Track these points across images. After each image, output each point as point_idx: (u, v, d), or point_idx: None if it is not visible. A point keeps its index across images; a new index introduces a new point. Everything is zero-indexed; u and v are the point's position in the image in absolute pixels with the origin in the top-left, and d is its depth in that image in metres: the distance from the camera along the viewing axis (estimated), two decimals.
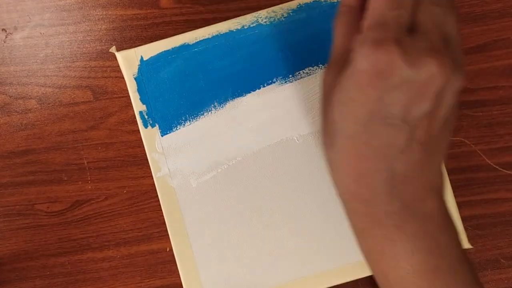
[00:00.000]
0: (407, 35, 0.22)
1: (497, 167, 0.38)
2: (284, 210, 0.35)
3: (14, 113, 0.38)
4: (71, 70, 0.38)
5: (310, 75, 0.36)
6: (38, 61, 0.38)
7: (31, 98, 0.38)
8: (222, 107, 0.36)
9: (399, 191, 0.24)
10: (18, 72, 0.38)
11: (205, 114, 0.36)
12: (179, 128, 0.36)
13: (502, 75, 0.38)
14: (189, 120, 0.36)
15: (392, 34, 0.22)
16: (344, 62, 0.23)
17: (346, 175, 0.24)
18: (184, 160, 0.36)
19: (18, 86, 0.38)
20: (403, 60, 0.21)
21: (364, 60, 0.22)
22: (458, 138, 0.38)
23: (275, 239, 0.35)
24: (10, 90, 0.38)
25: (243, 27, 0.36)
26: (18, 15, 0.38)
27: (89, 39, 0.38)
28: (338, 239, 0.35)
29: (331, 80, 0.24)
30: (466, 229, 0.36)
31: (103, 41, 0.38)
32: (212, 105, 0.36)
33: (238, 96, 0.36)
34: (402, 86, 0.22)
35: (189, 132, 0.36)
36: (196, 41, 0.36)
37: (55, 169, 0.38)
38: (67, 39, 0.38)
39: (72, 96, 0.38)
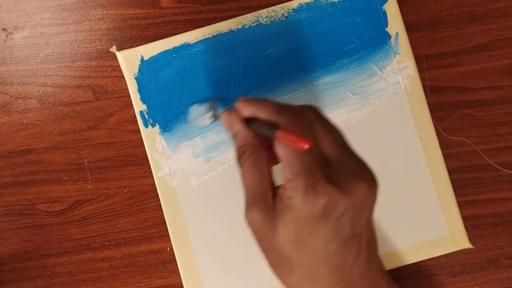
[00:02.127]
0: (328, 168, 0.25)
1: (498, 166, 0.38)
2: None
3: (14, 113, 0.38)
4: (71, 69, 0.38)
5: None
6: (38, 60, 0.38)
7: (31, 97, 0.38)
8: (223, 106, 0.36)
9: (358, 286, 0.26)
10: (19, 71, 0.38)
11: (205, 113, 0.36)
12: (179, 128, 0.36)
13: (503, 75, 0.38)
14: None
15: (321, 175, 0.24)
16: (273, 206, 0.26)
17: None
18: (185, 160, 0.36)
19: (18, 85, 0.38)
20: (340, 193, 0.24)
21: (307, 205, 0.24)
22: (459, 138, 0.38)
23: None
24: (11, 89, 0.38)
25: (243, 26, 0.36)
26: (19, 15, 0.38)
27: (89, 38, 0.38)
28: None
29: (261, 221, 0.26)
30: (467, 228, 0.36)
31: (103, 40, 0.38)
32: None
33: (238, 96, 0.36)
34: (346, 211, 0.24)
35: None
36: (197, 40, 0.36)
37: (56, 169, 0.38)
38: (68, 39, 0.38)
39: (73, 96, 0.38)
